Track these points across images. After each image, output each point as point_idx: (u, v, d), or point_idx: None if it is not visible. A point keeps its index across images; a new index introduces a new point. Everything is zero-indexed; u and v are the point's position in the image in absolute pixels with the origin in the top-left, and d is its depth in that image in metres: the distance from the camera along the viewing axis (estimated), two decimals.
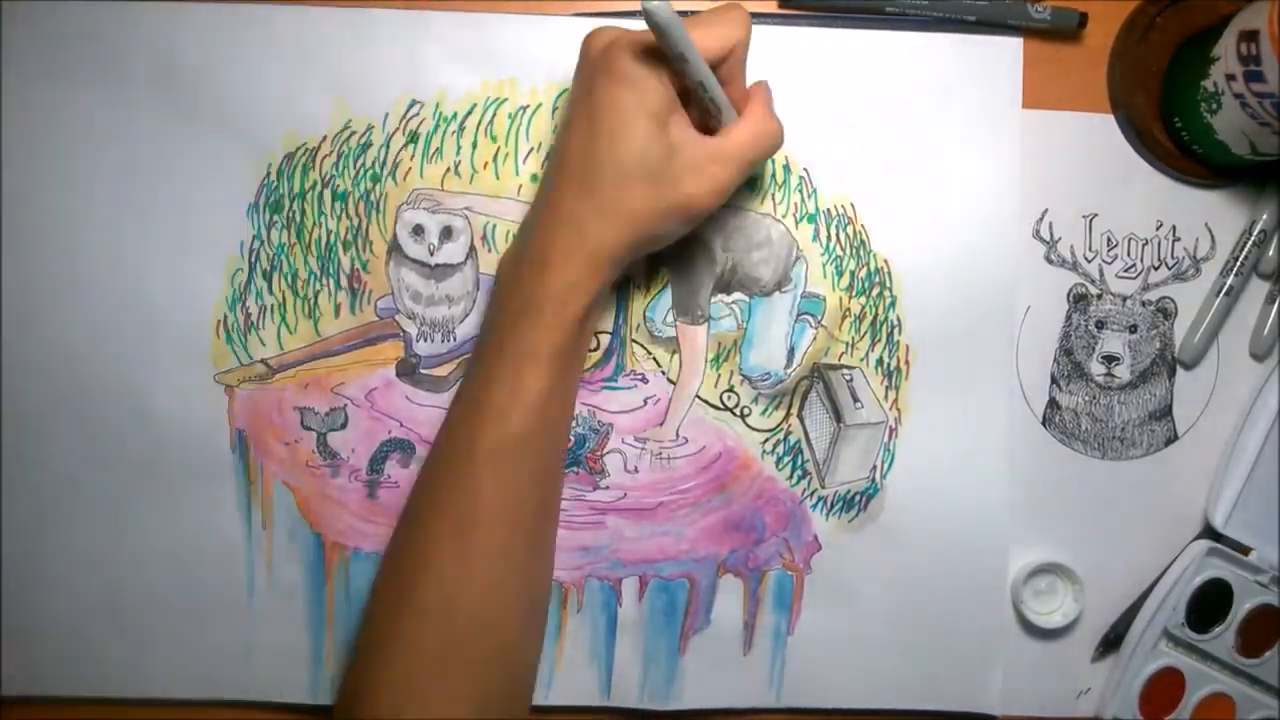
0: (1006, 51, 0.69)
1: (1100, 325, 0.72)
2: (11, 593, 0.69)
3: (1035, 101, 0.70)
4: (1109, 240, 0.71)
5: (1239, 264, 0.71)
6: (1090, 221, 0.71)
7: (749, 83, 0.62)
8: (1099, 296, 0.72)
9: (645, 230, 0.59)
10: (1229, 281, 0.71)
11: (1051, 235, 0.71)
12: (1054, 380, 0.72)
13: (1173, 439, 0.73)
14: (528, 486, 0.61)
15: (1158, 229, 0.72)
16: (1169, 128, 0.70)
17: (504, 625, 0.61)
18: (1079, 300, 0.72)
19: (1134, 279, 0.72)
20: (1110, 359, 0.72)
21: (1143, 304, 0.72)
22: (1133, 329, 0.72)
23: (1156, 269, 0.72)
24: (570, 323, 0.59)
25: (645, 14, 0.52)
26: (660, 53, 0.56)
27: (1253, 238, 0.70)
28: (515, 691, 0.63)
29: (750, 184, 0.69)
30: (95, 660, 0.70)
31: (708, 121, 0.61)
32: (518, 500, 0.61)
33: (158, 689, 0.70)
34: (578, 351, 0.63)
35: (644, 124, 0.57)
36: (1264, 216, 0.70)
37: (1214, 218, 0.72)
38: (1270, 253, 0.71)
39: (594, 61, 0.59)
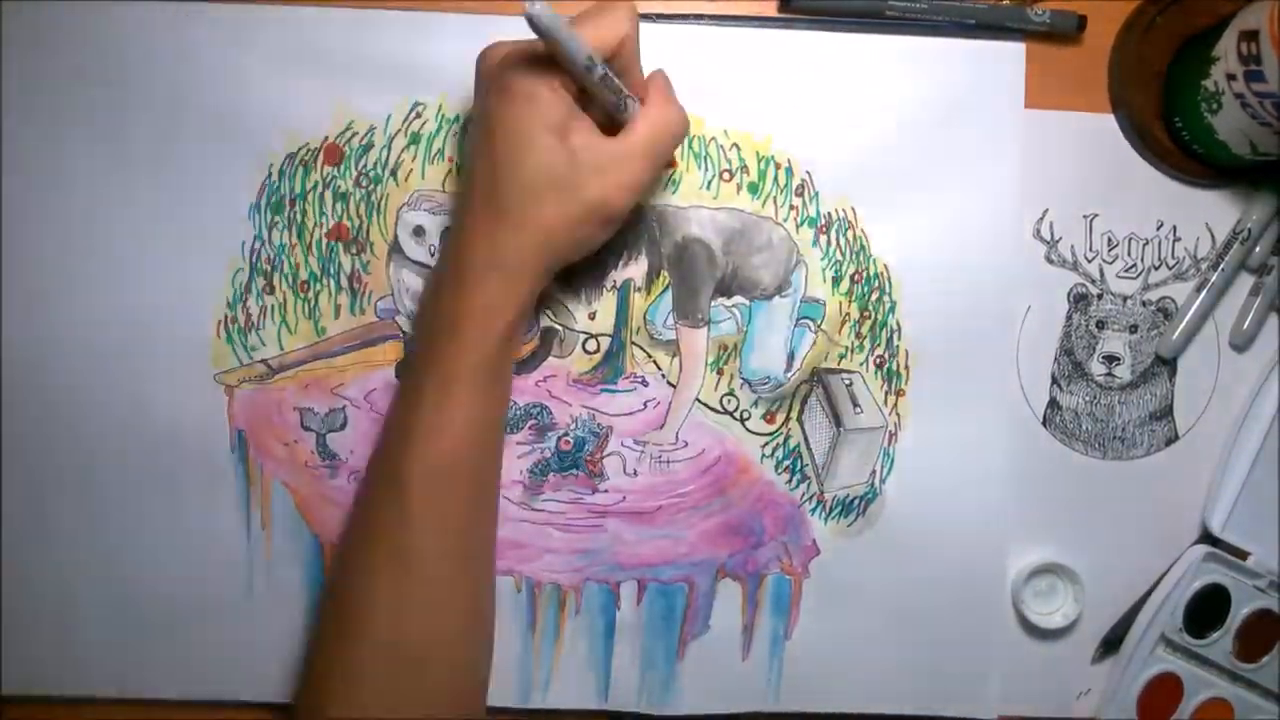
0: (1008, 57, 0.69)
1: (1101, 325, 0.72)
2: (11, 593, 0.69)
3: (1035, 101, 0.70)
4: (1109, 240, 0.71)
5: (1223, 262, 0.71)
6: (1091, 221, 0.71)
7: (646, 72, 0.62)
8: (1099, 296, 0.71)
9: (561, 241, 0.59)
10: (1211, 279, 0.71)
11: (1052, 235, 0.71)
12: (1054, 380, 0.72)
13: (1174, 439, 0.73)
14: (461, 511, 0.61)
15: (1158, 229, 0.71)
16: (1169, 127, 0.70)
17: (450, 649, 0.61)
18: (1079, 300, 0.71)
19: (1134, 279, 0.72)
20: (1111, 359, 0.72)
21: (1143, 304, 0.72)
22: (1133, 329, 0.72)
23: (1157, 269, 0.72)
24: (492, 341, 0.59)
25: (528, 18, 0.51)
26: (551, 61, 0.56)
27: (1238, 238, 0.70)
28: (467, 709, 0.63)
29: (751, 188, 0.69)
30: (95, 660, 0.70)
31: (613, 119, 0.61)
32: (452, 524, 0.61)
33: (157, 689, 0.70)
34: (502, 371, 0.63)
35: (543, 138, 0.57)
36: (1253, 219, 0.70)
37: (1214, 217, 0.72)
38: (1258, 249, 0.71)
39: (487, 80, 0.59)
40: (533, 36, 0.53)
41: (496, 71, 0.58)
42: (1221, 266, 0.70)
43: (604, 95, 0.58)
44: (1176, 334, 0.71)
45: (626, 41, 0.58)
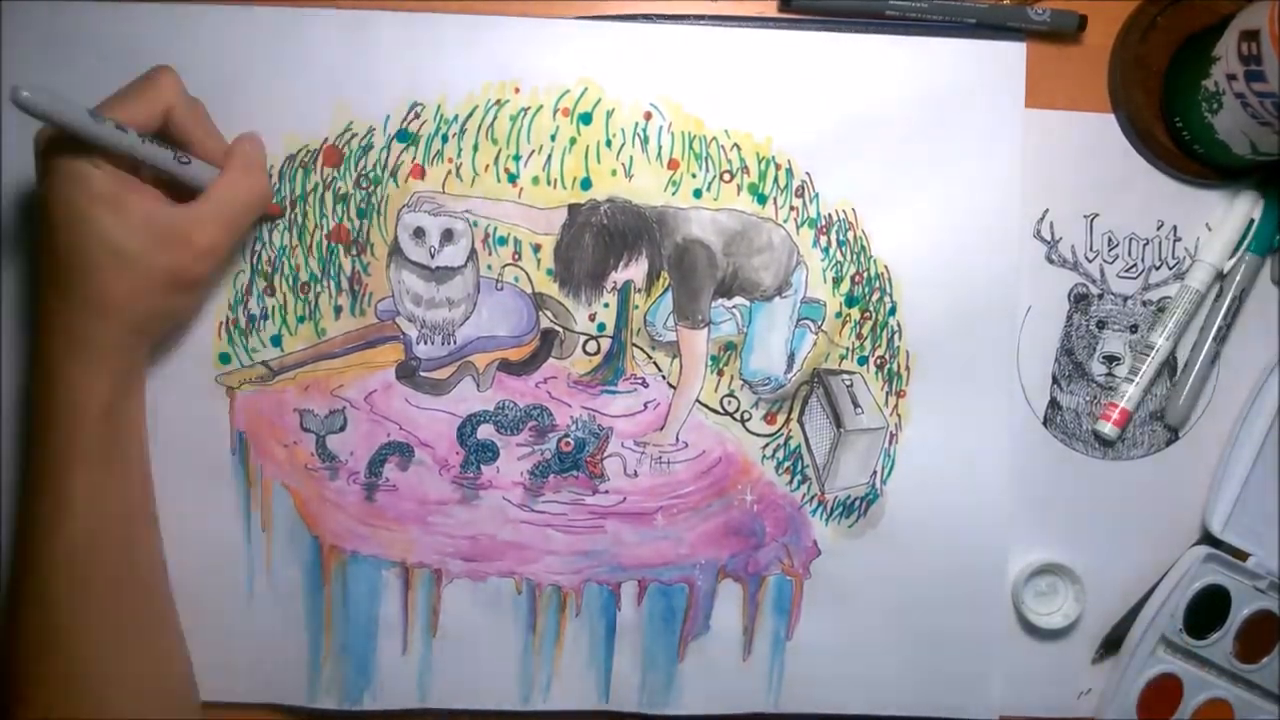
0: (1009, 57, 0.69)
1: (1101, 325, 0.72)
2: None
3: (1035, 101, 0.70)
4: (1110, 240, 0.71)
5: (1225, 329, 0.71)
6: (1091, 221, 0.71)
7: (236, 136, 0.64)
8: (1100, 296, 0.71)
9: (139, 314, 0.59)
10: (1211, 347, 0.71)
11: (1052, 235, 0.71)
12: (1055, 380, 0.72)
13: (1174, 439, 0.73)
14: (106, 590, 0.60)
15: (1158, 229, 0.71)
16: (1170, 127, 0.70)
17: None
18: (1080, 300, 0.71)
19: (1135, 279, 0.72)
20: (1111, 359, 0.72)
21: (1144, 304, 0.72)
22: (1134, 329, 0.72)
23: (1157, 269, 0.72)
24: (91, 422, 0.59)
25: (17, 105, 0.52)
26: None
27: (1231, 296, 0.71)
28: None
29: (751, 189, 0.69)
30: None
31: (181, 188, 0.61)
32: (98, 604, 0.60)
33: None
34: (116, 450, 0.62)
35: (96, 211, 0.56)
36: (1237, 278, 0.71)
37: (1215, 217, 0.72)
38: None
39: (40, 161, 0.58)
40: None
41: (45, 151, 0.58)
42: (1222, 335, 0.71)
43: (157, 167, 0.59)
44: (1183, 399, 0.71)
45: (172, 110, 0.59)
